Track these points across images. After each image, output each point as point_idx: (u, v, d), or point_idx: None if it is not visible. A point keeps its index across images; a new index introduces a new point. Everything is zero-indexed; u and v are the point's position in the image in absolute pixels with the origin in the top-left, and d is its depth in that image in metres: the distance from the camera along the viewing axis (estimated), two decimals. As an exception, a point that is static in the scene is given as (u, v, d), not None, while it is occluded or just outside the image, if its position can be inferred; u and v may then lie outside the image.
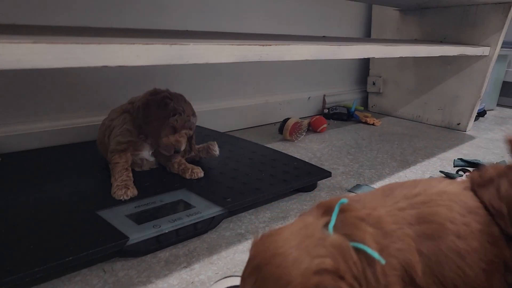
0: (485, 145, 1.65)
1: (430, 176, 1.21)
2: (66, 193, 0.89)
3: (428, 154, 1.49)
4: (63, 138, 1.24)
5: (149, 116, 0.97)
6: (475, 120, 2.05)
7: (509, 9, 1.65)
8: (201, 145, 1.11)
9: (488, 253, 0.44)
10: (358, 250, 0.40)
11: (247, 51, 0.79)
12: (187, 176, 1.00)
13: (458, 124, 1.87)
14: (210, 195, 0.91)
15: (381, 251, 0.41)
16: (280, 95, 1.84)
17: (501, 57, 2.19)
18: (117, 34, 0.78)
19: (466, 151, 1.54)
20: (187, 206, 0.86)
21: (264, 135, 1.62)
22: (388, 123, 1.95)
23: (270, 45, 0.83)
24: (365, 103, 2.27)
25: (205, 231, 0.85)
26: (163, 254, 0.78)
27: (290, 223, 0.46)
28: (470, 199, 0.47)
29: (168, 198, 0.89)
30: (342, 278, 0.37)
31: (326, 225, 0.42)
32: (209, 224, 0.84)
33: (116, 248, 0.71)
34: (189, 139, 1.06)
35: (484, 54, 1.70)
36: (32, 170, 1.01)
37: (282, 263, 0.38)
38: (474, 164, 1.24)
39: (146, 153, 1.03)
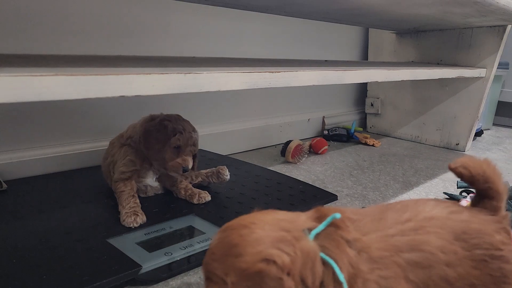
0: (484, 165, 1.66)
1: (435, 197, 1.22)
2: (74, 221, 0.88)
3: (430, 175, 1.50)
4: (66, 164, 1.24)
5: (151, 142, 0.97)
6: (473, 140, 2.07)
7: (504, 31, 1.69)
8: (209, 170, 1.12)
9: (471, 277, 0.47)
10: (326, 265, 0.42)
11: (258, 78, 0.80)
12: (195, 201, 1.00)
13: (457, 144, 1.89)
14: (219, 221, 0.91)
15: (355, 276, 0.42)
16: (281, 117, 1.85)
17: (495, 78, 2.23)
18: (129, 63, 0.79)
19: (467, 172, 1.55)
20: (198, 232, 0.86)
21: (266, 158, 1.63)
22: (387, 144, 1.97)
23: (279, 72, 0.84)
24: (363, 124, 2.29)
25: (216, 258, 0.85)
26: (175, 282, 0.77)
27: (283, 211, 0.47)
28: (456, 224, 0.49)
29: (177, 224, 0.89)
30: (289, 275, 0.39)
31: (310, 229, 0.44)
32: (220, 251, 0.84)
33: (130, 277, 0.70)
34: (194, 157, 1.06)
35: (481, 75, 1.73)
36: (38, 197, 1.01)
37: (245, 235, 0.41)
38: (477, 185, 1.25)
39: (150, 180, 1.03)
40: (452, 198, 1.24)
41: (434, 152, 1.86)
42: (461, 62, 1.82)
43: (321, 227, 0.44)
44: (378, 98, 2.13)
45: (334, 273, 0.41)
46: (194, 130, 1.01)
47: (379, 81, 1.13)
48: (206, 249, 0.80)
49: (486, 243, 0.49)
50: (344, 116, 2.19)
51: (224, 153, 1.58)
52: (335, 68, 1.00)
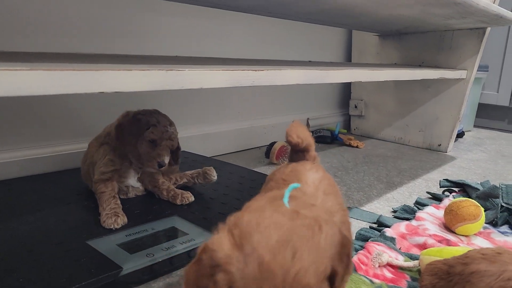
0: (466, 165, 1.69)
1: (418, 197, 1.22)
2: (52, 223, 0.86)
3: (413, 175, 1.51)
4: (44, 166, 1.21)
5: (124, 136, 0.95)
6: (454, 141, 2.10)
7: (484, 34, 1.72)
8: (195, 171, 1.10)
9: None
10: None
11: (241, 76, 0.79)
12: (178, 202, 0.98)
13: (439, 145, 1.91)
14: (202, 222, 0.90)
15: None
16: (265, 119, 1.85)
17: (476, 80, 2.27)
18: (109, 60, 0.77)
19: (449, 172, 1.56)
20: (180, 233, 0.84)
21: (250, 159, 1.62)
22: (371, 146, 1.98)
23: (262, 70, 0.84)
24: (347, 126, 2.30)
25: (199, 259, 0.83)
26: (157, 284, 0.75)
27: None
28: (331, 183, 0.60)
29: (159, 225, 0.88)
30: None
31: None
32: (203, 252, 0.82)
33: (110, 279, 0.68)
34: (175, 151, 1.03)
35: (462, 77, 1.75)
36: (15, 200, 0.98)
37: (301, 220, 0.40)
38: (459, 184, 1.26)
39: (132, 180, 1.01)
40: (435, 197, 1.25)
41: (417, 153, 1.87)
42: (443, 64, 1.85)
43: (286, 195, 0.45)
44: (361, 100, 2.15)
45: None
46: (171, 124, 0.99)
47: (362, 81, 1.13)
48: (189, 250, 0.79)
49: (340, 201, 0.58)
50: (328, 118, 2.19)
51: (208, 155, 1.56)
52: (318, 68, 1.00)
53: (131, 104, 1.35)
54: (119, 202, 0.91)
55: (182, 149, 1.47)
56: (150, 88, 0.65)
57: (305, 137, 0.65)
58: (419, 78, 1.41)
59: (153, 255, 0.75)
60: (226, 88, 1.66)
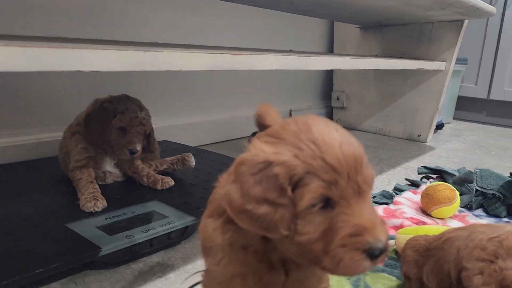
0: (444, 154, 1.72)
1: (397, 184, 1.25)
2: (31, 208, 0.85)
3: (393, 164, 1.54)
4: (23, 154, 1.20)
5: (92, 127, 0.94)
6: (434, 132, 2.13)
7: (462, 26, 1.75)
8: (174, 157, 1.10)
9: None
10: None
11: (220, 60, 0.80)
12: (158, 187, 0.98)
13: (418, 136, 1.94)
14: (182, 206, 0.90)
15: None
16: (247, 109, 1.85)
17: (455, 73, 2.31)
18: (90, 42, 0.77)
19: (428, 160, 1.59)
20: (160, 216, 0.85)
21: (232, 149, 1.63)
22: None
23: (242, 54, 0.84)
24: (330, 117, 2.32)
25: (179, 241, 0.84)
26: (137, 265, 0.76)
27: None
28: None
29: (139, 209, 0.88)
30: None
31: None
32: (183, 234, 0.83)
33: (88, 259, 0.69)
34: (147, 137, 1.03)
35: (441, 68, 1.78)
36: (-6, 185, 0.97)
37: None
38: (437, 171, 1.29)
39: (109, 165, 1.01)
40: (413, 183, 1.27)
41: (398, 143, 1.90)
42: (422, 56, 1.88)
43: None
44: (343, 92, 2.17)
45: None
46: (141, 109, 0.98)
47: (342, 68, 1.14)
48: (168, 232, 0.80)
49: None
50: (311, 110, 2.21)
51: (191, 145, 1.56)
52: (298, 54, 1.01)
53: (111, 91, 1.34)
54: (97, 186, 0.91)
55: (165, 138, 1.48)
56: (128, 68, 0.66)
57: (277, 119, 0.66)
58: (399, 68, 1.44)
59: (133, 237, 0.76)
60: (208, 78, 1.66)
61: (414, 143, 1.92)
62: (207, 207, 0.47)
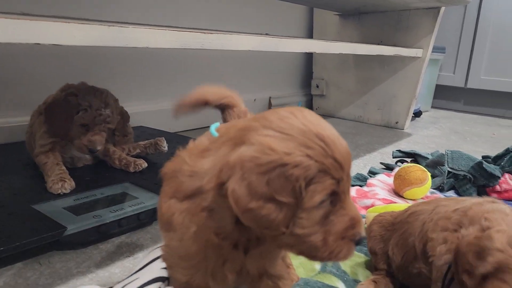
0: (421, 140, 1.74)
1: (371, 167, 1.26)
2: (-3, 190, 0.83)
3: (370, 149, 1.55)
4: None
5: (54, 117, 0.90)
6: (412, 120, 2.15)
7: (438, 13, 1.77)
8: (147, 141, 1.09)
9: None
10: None
11: (189, 38, 0.79)
12: (131, 169, 0.97)
13: (396, 123, 1.96)
14: (154, 187, 0.89)
15: None
16: (226, 96, 1.84)
17: (433, 61, 2.33)
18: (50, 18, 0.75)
19: (404, 146, 1.61)
20: (130, 197, 0.84)
21: (210, 135, 1.62)
22: (331, 124, 1.99)
23: (212, 33, 0.83)
24: (309, 105, 2.32)
25: (150, 223, 0.83)
26: (105, 245, 0.75)
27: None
28: None
29: (110, 191, 0.87)
30: None
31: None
32: (154, 215, 0.82)
33: (53, 238, 0.68)
34: (122, 127, 1.02)
35: (418, 55, 1.80)
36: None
37: None
38: (411, 155, 1.30)
39: (76, 151, 0.98)
40: (388, 167, 1.28)
41: (375, 130, 1.92)
42: (400, 43, 1.89)
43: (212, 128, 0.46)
44: (323, 79, 2.17)
45: None
46: (106, 105, 0.94)
47: (316, 51, 1.14)
48: (138, 213, 0.79)
49: None
50: (290, 97, 2.21)
51: (170, 131, 1.55)
52: (272, 36, 1.00)
53: (83, 77, 1.32)
54: (64, 168, 0.89)
55: (142, 124, 1.46)
56: (90, 43, 0.64)
57: (223, 93, 0.66)
58: (375, 54, 1.44)
59: (100, 217, 0.75)
60: (188, 64, 1.64)
61: (391, 130, 1.94)
62: (164, 182, 0.46)
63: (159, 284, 0.49)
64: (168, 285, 0.50)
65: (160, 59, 1.56)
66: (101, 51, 1.38)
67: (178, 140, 1.31)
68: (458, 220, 0.54)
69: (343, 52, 1.25)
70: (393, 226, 0.67)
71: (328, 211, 0.38)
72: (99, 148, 0.93)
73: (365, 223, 0.85)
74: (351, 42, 2.00)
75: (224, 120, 0.66)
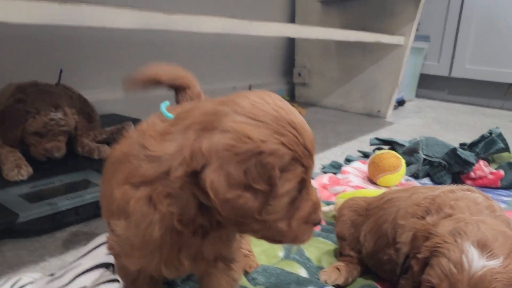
0: (402, 129, 1.73)
1: (348, 155, 1.24)
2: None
3: (349, 137, 1.53)
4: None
5: (2, 128, 0.85)
6: (395, 109, 2.14)
7: (420, 0, 1.75)
8: (115, 127, 1.06)
9: None
10: None
11: (150, 18, 0.76)
12: (95, 156, 0.94)
13: (378, 111, 1.94)
14: (117, 174, 0.86)
15: None
16: (204, 84, 1.79)
17: (418, 50, 2.31)
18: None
19: (385, 135, 1.59)
20: (91, 185, 0.81)
21: (187, 124, 1.59)
22: (313, 112, 1.99)
23: (176, 14, 0.80)
24: (291, 94, 2.29)
25: (111, 210, 0.80)
26: (61, 234, 0.72)
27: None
28: None
29: (70, 178, 0.84)
30: None
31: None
32: (115, 203, 0.80)
33: (4, 225, 0.65)
34: (87, 118, 0.97)
35: (399, 43, 1.78)
36: None
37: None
38: (388, 142, 1.28)
39: None
40: (365, 155, 1.27)
41: (357, 118, 1.90)
42: (383, 31, 1.86)
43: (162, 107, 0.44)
44: (305, 67, 2.14)
45: None
46: (57, 107, 0.88)
47: (290, 36, 1.12)
48: (97, 201, 0.76)
49: None
50: (271, 86, 2.18)
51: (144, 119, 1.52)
52: (242, 18, 0.97)
53: (52, 63, 1.27)
54: (19, 155, 0.85)
55: (113, 112, 1.42)
56: (39, 21, 0.61)
57: (177, 73, 0.64)
58: (353, 40, 1.42)
59: (56, 204, 0.72)
60: (164, 50, 1.61)
61: (373, 118, 1.92)
62: (111, 166, 0.43)
63: (102, 270, 0.47)
64: (114, 271, 0.48)
65: (134, 44, 1.53)
66: (71, 36, 1.34)
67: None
68: (426, 207, 0.53)
69: (319, 38, 1.23)
70: (367, 212, 0.65)
71: (295, 198, 0.38)
72: (57, 155, 0.89)
73: (334, 210, 0.83)
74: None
75: (177, 101, 0.63)
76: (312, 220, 0.40)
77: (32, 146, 0.88)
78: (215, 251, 0.43)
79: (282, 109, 0.37)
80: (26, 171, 0.80)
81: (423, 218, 0.53)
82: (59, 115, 0.88)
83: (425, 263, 0.44)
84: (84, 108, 1.00)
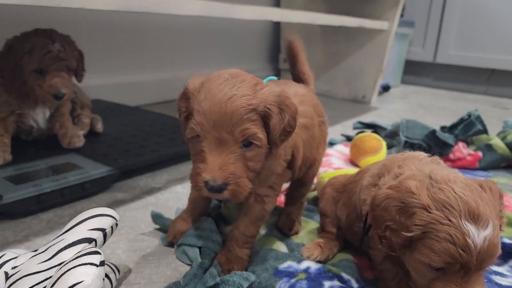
0: (386, 114, 1.75)
1: (331, 138, 1.26)
2: None
3: (333, 122, 1.55)
4: None
5: (3, 70, 0.82)
6: (380, 95, 2.17)
7: (404, -15, 1.76)
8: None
9: (319, 135, 0.68)
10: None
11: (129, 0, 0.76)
12: (64, 144, 0.92)
13: (363, 97, 1.96)
14: (101, 157, 0.87)
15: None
16: (189, 70, 1.81)
17: (403, 36, 2.33)
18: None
19: (369, 119, 1.61)
20: (75, 167, 0.82)
21: (173, 110, 1.59)
22: (299, 98, 2.00)
23: (157, -4, 0.81)
24: (278, 81, 2.30)
25: (95, 193, 0.81)
26: (46, 215, 0.73)
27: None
28: (313, 98, 0.70)
29: (54, 161, 0.84)
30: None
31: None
32: (99, 185, 0.81)
33: (-13, 207, 0.66)
34: (76, 74, 0.91)
35: (383, 28, 1.79)
36: None
37: (249, 77, 0.52)
38: (371, 126, 1.30)
39: (41, 119, 0.93)
40: (348, 138, 1.29)
41: (341, 104, 1.92)
42: (366, 16, 1.87)
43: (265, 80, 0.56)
44: (291, 54, 2.15)
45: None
46: (54, 40, 0.83)
47: (273, 20, 1.12)
48: (82, 182, 0.77)
49: (321, 112, 0.71)
50: (257, 72, 2.18)
51: (131, 105, 1.52)
52: (224, 1, 0.98)
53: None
54: (6, 141, 0.85)
55: (102, 98, 1.42)
56: (12, 1, 0.61)
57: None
58: (336, 24, 1.43)
59: (41, 186, 0.73)
60: (145, 35, 1.60)
61: (358, 104, 1.94)
62: None
63: (84, 244, 0.48)
64: (96, 245, 0.49)
65: (119, 30, 1.52)
66: (55, 19, 1.33)
67: (137, 113, 1.28)
68: (380, 172, 0.55)
69: (303, 22, 1.24)
70: (344, 187, 0.67)
71: (199, 148, 0.50)
72: (63, 91, 0.83)
73: (315, 189, 0.85)
74: (319, 15, 1.98)
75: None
76: (199, 178, 0.48)
77: (36, 87, 0.83)
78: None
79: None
80: (2, 157, 0.81)
81: (376, 185, 0.54)
82: (57, 46, 0.83)
83: (410, 239, 0.45)
84: (80, 52, 0.93)
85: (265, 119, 0.49)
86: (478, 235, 0.42)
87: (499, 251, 0.43)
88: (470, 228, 0.42)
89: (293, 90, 0.63)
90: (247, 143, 0.49)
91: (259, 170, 0.52)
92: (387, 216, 0.46)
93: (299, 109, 0.55)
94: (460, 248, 0.42)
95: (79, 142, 0.93)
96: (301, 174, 0.68)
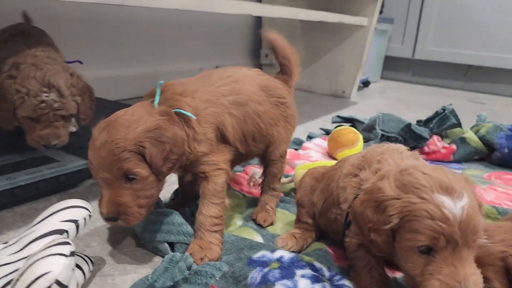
0: (365, 109, 1.77)
1: (310, 132, 1.27)
2: None
3: (313, 116, 1.56)
4: None
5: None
6: (360, 90, 2.19)
7: (383, -18, 1.78)
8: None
9: (271, 114, 0.70)
10: (178, 114, 0.58)
11: (106, -8, 0.76)
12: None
13: (343, 92, 1.98)
14: (78, 151, 0.87)
15: (196, 112, 0.60)
16: (171, 64, 1.81)
17: (382, 32, 2.36)
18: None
19: (347, 114, 1.63)
20: (51, 160, 0.81)
21: (153, 104, 1.58)
22: (280, 93, 2.01)
23: (134, -11, 0.80)
24: (260, 76, 2.31)
25: (72, 186, 0.81)
26: (21, 208, 0.73)
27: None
28: (261, 80, 0.71)
29: (30, 154, 0.83)
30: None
31: (153, 102, 0.59)
32: (76, 178, 0.80)
33: (-41, 200, 0.65)
34: (79, 114, 0.84)
35: (362, 24, 1.81)
36: None
37: (128, 118, 0.56)
38: (349, 120, 1.32)
39: None
40: (326, 132, 1.30)
41: (322, 99, 1.94)
42: (346, 11, 1.89)
43: (157, 96, 0.59)
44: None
45: (184, 117, 0.58)
46: (51, 87, 0.75)
47: (254, 14, 1.13)
48: (57, 176, 0.76)
49: (278, 94, 0.72)
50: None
51: (112, 99, 1.50)
52: (203, -5, 0.98)
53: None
54: None
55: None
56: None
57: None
58: (317, 20, 1.44)
59: (15, 179, 0.72)
60: (126, 29, 1.59)
61: (338, 99, 1.96)
62: None
63: (55, 236, 0.48)
64: (68, 237, 0.49)
65: (100, 23, 1.50)
66: (38, 13, 1.31)
67: (117, 108, 1.27)
68: (360, 164, 0.56)
69: (283, 17, 1.24)
70: (323, 176, 0.68)
71: None
72: (55, 143, 0.77)
73: (292, 181, 0.86)
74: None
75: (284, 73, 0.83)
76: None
77: (27, 132, 0.77)
78: None
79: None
80: None
81: (356, 176, 0.56)
82: (52, 95, 0.75)
83: (393, 230, 0.46)
84: (87, 90, 0.88)
85: (142, 153, 0.54)
86: (454, 205, 0.42)
87: (482, 225, 0.43)
88: (444, 199, 0.42)
89: (240, 74, 0.69)
90: (130, 178, 0.54)
91: (155, 193, 0.57)
92: (366, 219, 0.47)
93: (228, 88, 0.64)
94: (439, 220, 0.42)
95: (56, 140, 0.88)
96: (258, 151, 0.72)
